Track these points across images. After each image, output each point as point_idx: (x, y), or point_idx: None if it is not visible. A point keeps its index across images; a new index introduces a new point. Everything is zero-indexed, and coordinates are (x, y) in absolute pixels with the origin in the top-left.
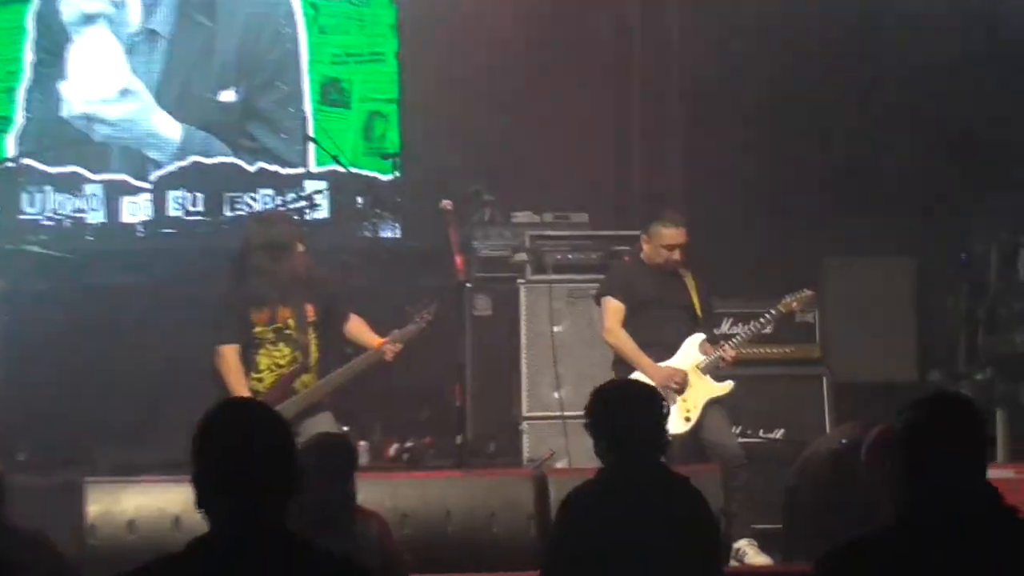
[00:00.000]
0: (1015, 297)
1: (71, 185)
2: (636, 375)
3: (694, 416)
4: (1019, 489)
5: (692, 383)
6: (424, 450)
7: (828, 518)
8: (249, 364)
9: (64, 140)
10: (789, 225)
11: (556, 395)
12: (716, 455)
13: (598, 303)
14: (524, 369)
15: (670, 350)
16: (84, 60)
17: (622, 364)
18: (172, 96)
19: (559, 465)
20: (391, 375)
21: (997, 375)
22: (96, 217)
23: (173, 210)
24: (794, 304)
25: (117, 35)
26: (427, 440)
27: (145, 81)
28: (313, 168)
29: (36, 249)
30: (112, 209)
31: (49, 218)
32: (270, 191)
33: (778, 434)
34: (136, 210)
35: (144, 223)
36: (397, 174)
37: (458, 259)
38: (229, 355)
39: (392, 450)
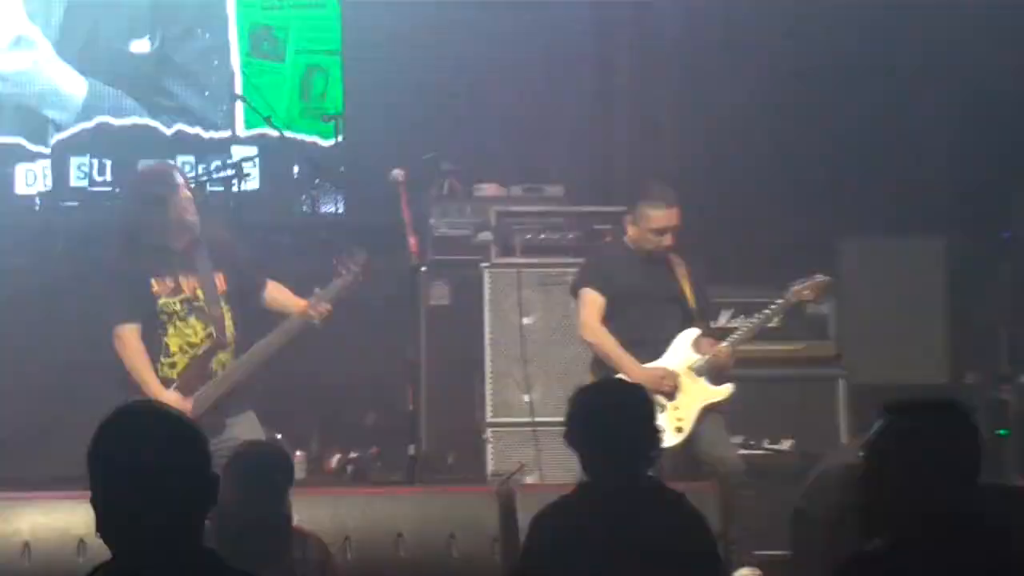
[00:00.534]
0: None
1: None
2: (620, 377)
3: (687, 426)
4: None
5: (685, 387)
6: (370, 462)
7: (843, 545)
8: (157, 347)
9: None
10: (799, 199)
11: (526, 399)
12: (713, 471)
13: (575, 295)
14: (488, 368)
15: (658, 349)
16: None
17: (602, 365)
18: (75, 46)
19: (529, 480)
20: (330, 374)
21: None
22: None
23: (76, 179)
24: (805, 292)
25: None
26: (374, 450)
27: (43, 29)
28: (241, 131)
29: None
30: (4, 178)
31: None
32: (190, 158)
33: (786, 445)
34: (33, 179)
35: (42, 195)
36: (340, 139)
37: (411, 239)
38: (129, 337)
39: (333, 462)
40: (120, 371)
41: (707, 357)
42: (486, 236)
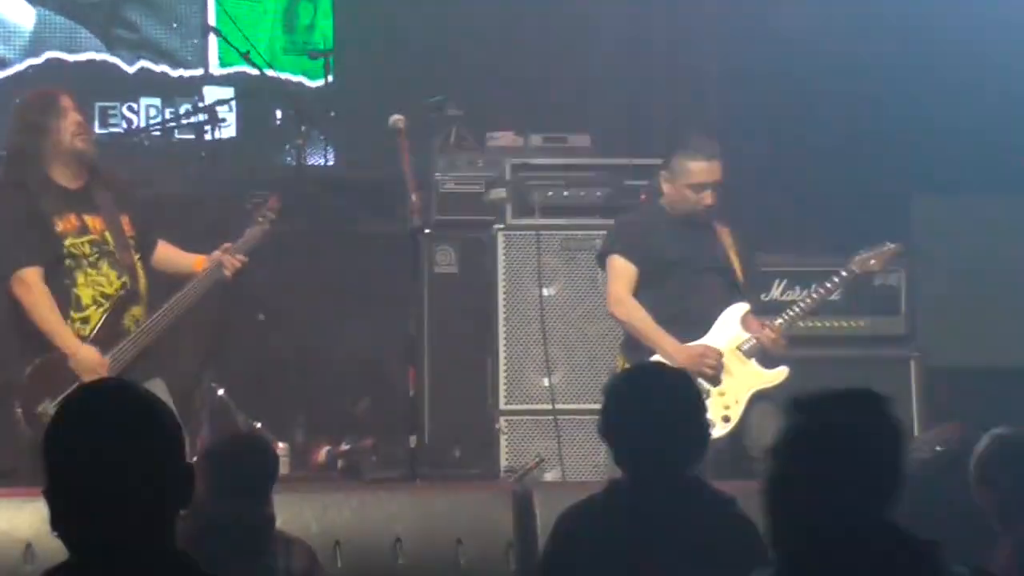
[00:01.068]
0: None
1: None
2: (656, 359)
3: (735, 415)
4: None
5: (731, 370)
6: (365, 455)
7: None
8: (65, 300)
9: None
10: (864, 151)
11: (545, 383)
12: (760, 467)
13: (602, 264)
14: (502, 347)
15: (701, 326)
16: None
17: (634, 345)
18: None
19: (548, 477)
20: (318, 353)
21: None
22: None
23: None
24: (872, 261)
25: None
26: (368, 442)
27: None
28: (215, 70)
29: None
30: None
31: None
32: (156, 100)
33: None
34: None
35: None
36: (330, 79)
37: (413, 196)
38: (33, 280)
39: (321, 455)
40: (23, 327)
41: (757, 336)
42: (500, 193)
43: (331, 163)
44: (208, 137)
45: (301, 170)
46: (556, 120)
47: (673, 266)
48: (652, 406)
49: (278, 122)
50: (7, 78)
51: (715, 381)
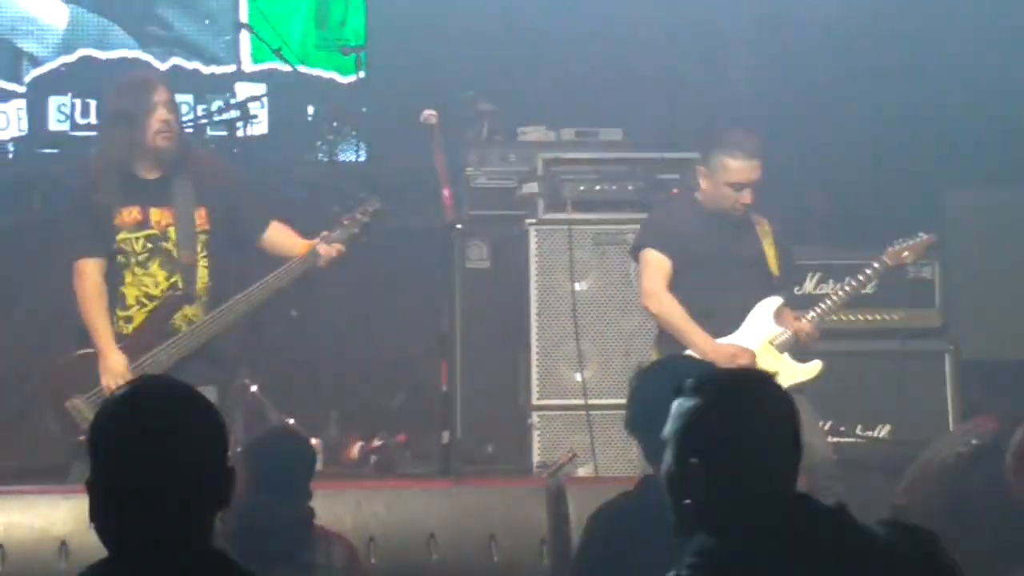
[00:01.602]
0: None
1: None
2: (688, 354)
3: None
4: None
5: (764, 365)
6: (398, 451)
7: (950, 548)
8: (113, 296)
9: None
10: (897, 144)
11: (578, 377)
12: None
13: (636, 257)
14: (534, 342)
15: (734, 321)
16: None
17: (668, 340)
18: None
19: (581, 472)
20: (351, 349)
21: None
22: None
23: (56, 122)
24: (905, 253)
25: None
26: (401, 437)
27: None
28: (247, 66)
29: None
30: None
31: None
32: (188, 97)
33: (883, 432)
34: (5, 123)
35: (17, 140)
36: (362, 74)
37: (445, 191)
38: (90, 272)
39: (355, 451)
40: (79, 317)
41: (790, 330)
42: (532, 188)
43: (363, 159)
44: (240, 134)
45: (333, 166)
46: (588, 114)
47: (707, 260)
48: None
49: (310, 118)
50: (40, 76)
51: None
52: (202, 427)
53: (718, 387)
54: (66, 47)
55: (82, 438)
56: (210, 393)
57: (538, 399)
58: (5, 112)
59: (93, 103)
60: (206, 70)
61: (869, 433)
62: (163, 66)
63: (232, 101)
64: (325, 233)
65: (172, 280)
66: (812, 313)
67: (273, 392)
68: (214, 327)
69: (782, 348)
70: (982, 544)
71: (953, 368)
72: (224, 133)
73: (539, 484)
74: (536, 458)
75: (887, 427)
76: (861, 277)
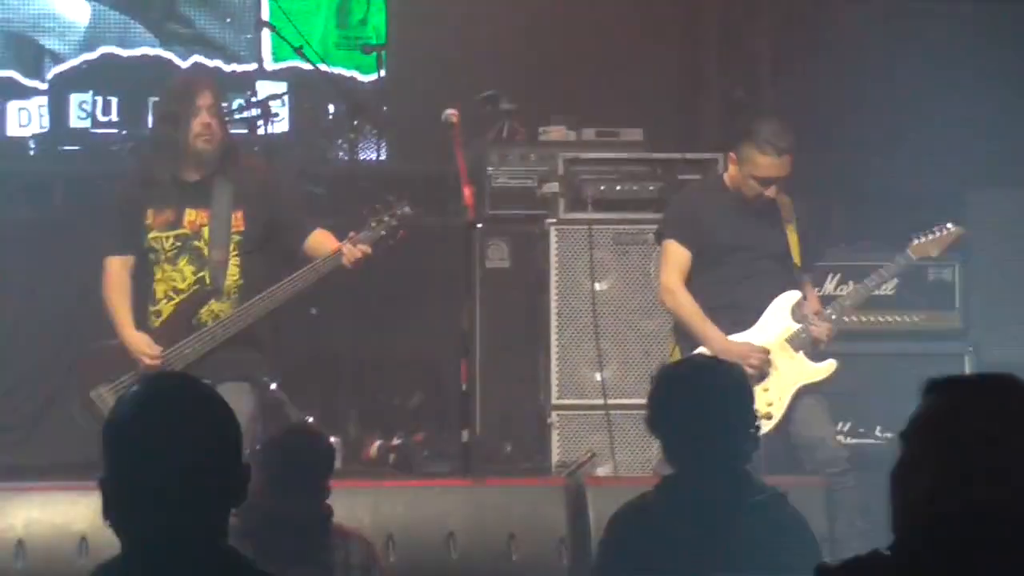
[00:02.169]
0: None
1: None
2: (700, 351)
3: (778, 411)
4: None
5: (778, 365)
6: (417, 450)
7: None
8: (146, 293)
9: None
10: (919, 143)
11: (597, 377)
12: (809, 458)
13: (659, 242)
14: (554, 341)
15: (752, 315)
16: None
17: (686, 335)
18: None
19: (600, 472)
20: (370, 348)
21: None
22: None
23: (78, 119)
24: (931, 247)
25: None
26: (420, 436)
27: None
28: (269, 64)
29: None
30: None
31: None
32: None
33: None
34: (27, 119)
35: (38, 137)
36: (382, 73)
37: (466, 191)
38: (112, 269)
39: (373, 449)
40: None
41: (808, 327)
42: (552, 187)
43: (383, 158)
44: (261, 132)
45: (354, 165)
46: (609, 114)
47: (729, 250)
48: (700, 400)
49: (331, 117)
50: (62, 73)
51: (759, 378)
52: (215, 424)
53: (970, 389)
54: (88, 44)
55: None
56: (243, 390)
57: (557, 399)
58: (27, 109)
59: (114, 100)
60: (227, 68)
61: (888, 435)
62: (185, 64)
63: (253, 99)
64: (352, 234)
65: (200, 275)
66: (830, 309)
67: (292, 390)
68: (238, 323)
69: (797, 346)
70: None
71: (973, 370)
72: (245, 131)
73: (558, 484)
74: (555, 458)
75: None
76: (883, 271)
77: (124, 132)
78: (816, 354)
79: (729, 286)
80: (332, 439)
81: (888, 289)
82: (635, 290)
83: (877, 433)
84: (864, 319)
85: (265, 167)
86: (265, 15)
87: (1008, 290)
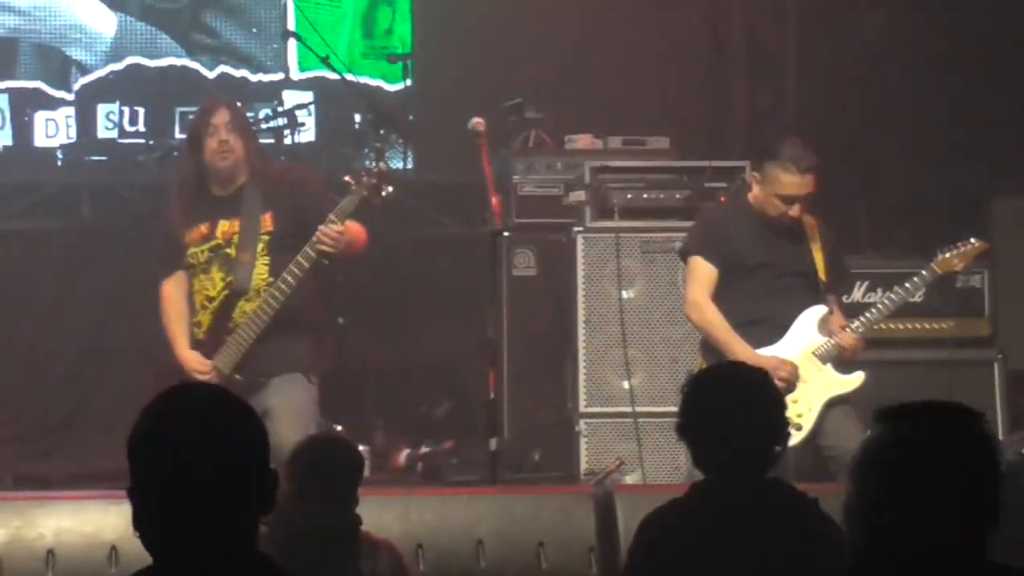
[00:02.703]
0: None
1: None
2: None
3: (807, 422)
4: None
5: (806, 377)
6: (445, 458)
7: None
8: (192, 306)
9: None
10: (946, 154)
11: (625, 385)
12: (840, 468)
13: (684, 260)
14: (581, 349)
15: (779, 331)
16: None
17: (713, 347)
18: None
19: (628, 480)
20: (398, 356)
21: None
22: None
23: (105, 130)
24: (955, 260)
25: None
26: (448, 444)
27: None
28: (295, 74)
29: None
30: (21, 128)
31: None
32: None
33: None
34: (54, 130)
35: (65, 147)
36: (408, 83)
37: (493, 199)
38: (165, 290)
39: (401, 458)
40: None
41: (833, 340)
42: (579, 196)
43: (410, 167)
44: (287, 141)
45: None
46: (635, 122)
47: (754, 269)
48: (730, 406)
49: (357, 126)
50: (89, 83)
51: (787, 391)
52: (241, 431)
53: (920, 419)
54: (114, 55)
55: None
56: (297, 380)
57: (585, 407)
58: (54, 119)
59: (141, 111)
60: (253, 78)
61: None
62: (211, 74)
63: (279, 109)
64: (330, 216)
65: (228, 280)
66: (857, 323)
67: (320, 399)
68: (261, 319)
69: (824, 359)
70: None
71: (1002, 377)
72: (271, 141)
73: (587, 492)
74: (583, 466)
75: None
76: (908, 285)
77: (151, 142)
78: (843, 367)
79: (754, 303)
80: (361, 447)
81: (917, 296)
82: (662, 298)
83: None
84: (893, 326)
85: (294, 168)
86: (291, 25)
87: None
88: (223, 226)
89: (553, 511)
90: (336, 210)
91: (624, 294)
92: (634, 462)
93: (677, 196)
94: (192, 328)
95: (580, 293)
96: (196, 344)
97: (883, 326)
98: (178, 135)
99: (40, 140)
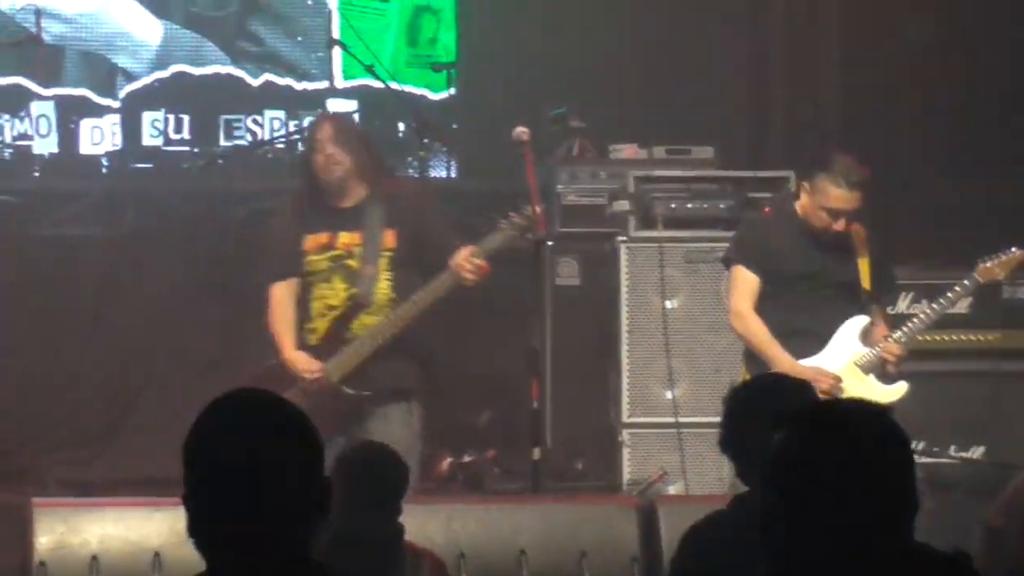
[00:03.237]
0: None
1: (12, 103)
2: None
3: None
4: None
5: (848, 388)
6: (487, 467)
7: None
8: (306, 311)
9: (2, 41)
10: (990, 159)
11: (668, 395)
12: None
13: (727, 267)
14: (624, 359)
15: (821, 341)
16: None
17: (756, 357)
18: None
19: (672, 490)
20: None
21: None
22: (46, 146)
23: (150, 137)
24: (996, 269)
25: None
26: (491, 453)
27: None
28: (339, 83)
29: None
30: (67, 136)
31: None
32: (280, 113)
33: (976, 453)
34: (100, 137)
35: (111, 154)
36: (452, 91)
37: (536, 208)
38: (274, 294)
39: (444, 467)
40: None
41: (875, 351)
42: (623, 205)
43: (454, 175)
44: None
45: (424, 182)
46: (679, 132)
47: (798, 279)
48: (770, 419)
49: (401, 135)
50: (134, 91)
51: None
52: (296, 439)
53: (828, 419)
54: (160, 63)
55: None
56: (401, 411)
57: (628, 417)
58: (100, 127)
59: (186, 118)
60: (298, 86)
61: (963, 454)
62: (255, 82)
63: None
64: (472, 248)
65: (351, 291)
66: (899, 333)
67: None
68: (385, 334)
69: (867, 369)
70: None
71: None
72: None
73: (630, 502)
74: (626, 476)
75: (981, 448)
76: (951, 295)
77: (195, 150)
78: (886, 378)
79: (795, 313)
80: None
81: (963, 307)
82: (706, 308)
83: (952, 452)
84: (938, 338)
85: (415, 186)
86: (336, 33)
87: None
88: (344, 237)
89: (596, 521)
90: (483, 244)
91: (667, 304)
92: (677, 473)
93: (721, 206)
94: (304, 333)
95: (623, 302)
96: (306, 349)
97: (928, 337)
98: (222, 143)
99: (85, 147)
